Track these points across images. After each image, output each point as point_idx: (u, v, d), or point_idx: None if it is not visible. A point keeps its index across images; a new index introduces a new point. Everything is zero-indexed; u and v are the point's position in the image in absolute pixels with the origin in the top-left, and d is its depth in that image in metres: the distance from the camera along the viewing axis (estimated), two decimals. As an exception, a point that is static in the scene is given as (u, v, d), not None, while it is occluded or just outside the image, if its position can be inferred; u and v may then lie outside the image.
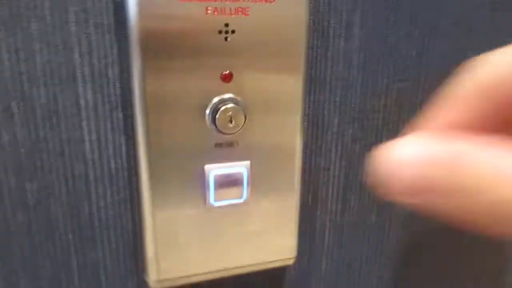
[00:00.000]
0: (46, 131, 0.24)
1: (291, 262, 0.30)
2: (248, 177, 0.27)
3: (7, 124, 0.23)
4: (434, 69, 0.31)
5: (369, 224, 0.33)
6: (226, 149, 0.26)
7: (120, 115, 0.25)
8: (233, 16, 0.23)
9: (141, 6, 0.22)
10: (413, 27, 0.29)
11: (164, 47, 0.23)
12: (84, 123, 0.25)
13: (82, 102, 0.24)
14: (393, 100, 0.30)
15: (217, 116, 0.24)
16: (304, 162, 0.29)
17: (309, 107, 0.29)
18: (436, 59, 0.30)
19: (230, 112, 0.25)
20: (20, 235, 0.25)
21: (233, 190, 0.27)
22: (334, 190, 0.31)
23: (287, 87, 0.26)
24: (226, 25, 0.24)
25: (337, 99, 0.29)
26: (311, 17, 0.27)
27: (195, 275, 0.27)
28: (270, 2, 0.24)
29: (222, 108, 0.24)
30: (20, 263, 0.26)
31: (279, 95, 0.26)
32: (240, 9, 0.23)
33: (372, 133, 0.31)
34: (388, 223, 0.33)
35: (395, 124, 0.31)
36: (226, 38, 0.24)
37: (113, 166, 0.26)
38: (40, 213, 0.25)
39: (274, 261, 0.29)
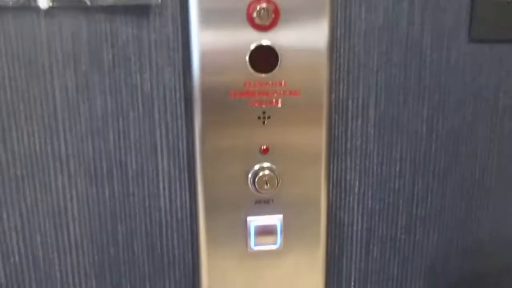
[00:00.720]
0: (134, 188, 0.34)
1: (319, 301, 0.35)
2: (281, 227, 0.34)
3: (109, 182, 0.33)
4: (444, 141, 0.36)
5: (391, 274, 0.38)
6: (263, 205, 0.33)
7: (186, 178, 0.34)
8: (268, 106, 0.32)
9: (202, 102, 0.31)
10: (422, 106, 0.35)
11: (218, 129, 0.32)
12: (161, 183, 0.34)
13: (160, 167, 0.34)
14: (407, 167, 0.36)
15: (256, 179, 0.32)
16: (329, 218, 0.36)
17: (333, 173, 0.35)
18: (445, 133, 0.36)
19: (266, 177, 0.32)
20: (111, 263, 0.34)
21: (269, 238, 0.34)
22: (358, 242, 0.37)
23: (313, 158, 0.33)
24: (263, 112, 0.32)
25: (357, 166, 0.35)
26: (332, 103, 0.34)
27: (238, 305, 0.34)
28: (297, 95, 0.32)
29: (260, 174, 0.32)
30: (109, 284, 0.35)
31: (306, 164, 0.33)
32: (273, 101, 0.32)
33: (390, 193, 0.36)
34: (410, 275, 0.38)
35: (410, 186, 0.36)
36: (263, 122, 0.32)
37: (179, 215, 0.34)
38: (126, 248, 0.34)
39: (304, 299, 0.35)
